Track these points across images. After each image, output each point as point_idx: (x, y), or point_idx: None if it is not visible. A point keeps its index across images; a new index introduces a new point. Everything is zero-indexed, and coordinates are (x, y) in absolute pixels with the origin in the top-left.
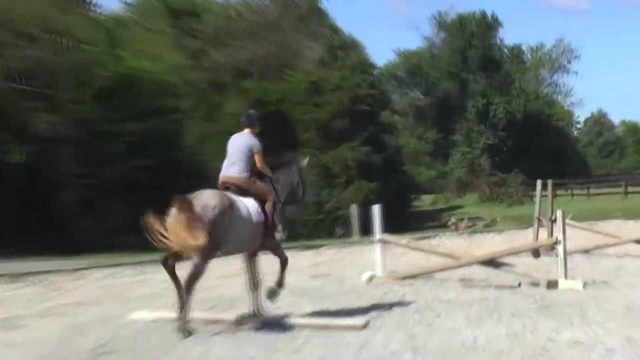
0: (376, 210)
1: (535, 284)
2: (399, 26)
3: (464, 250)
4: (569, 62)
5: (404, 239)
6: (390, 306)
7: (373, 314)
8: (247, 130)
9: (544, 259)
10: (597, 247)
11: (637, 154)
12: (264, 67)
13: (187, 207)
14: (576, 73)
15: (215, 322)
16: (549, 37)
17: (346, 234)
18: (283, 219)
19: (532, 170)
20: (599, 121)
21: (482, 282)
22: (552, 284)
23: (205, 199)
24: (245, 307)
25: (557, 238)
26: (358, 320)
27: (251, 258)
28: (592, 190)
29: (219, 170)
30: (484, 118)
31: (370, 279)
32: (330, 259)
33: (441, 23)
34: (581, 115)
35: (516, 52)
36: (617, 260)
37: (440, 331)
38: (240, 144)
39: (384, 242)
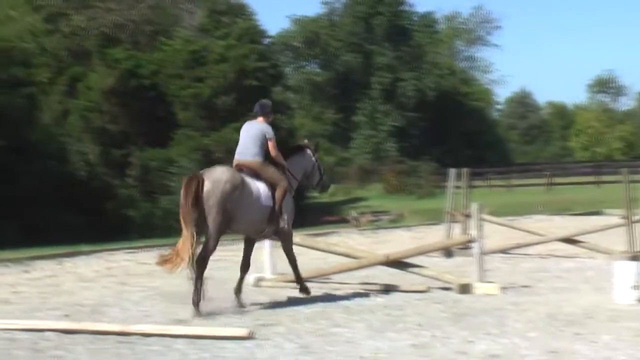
0: None
1: (446, 289)
2: None
3: (366, 249)
4: (488, 33)
5: (297, 235)
6: (279, 313)
7: (259, 322)
8: (260, 119)
9: (457, 260)
10: (518, 247)
11: (564, 140)
12: (135, 34)
13: (195, 187)
14: (496, 46)
15: (72, 332)
16: (466, 4)
17: None
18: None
19: (446, 157)
20: (522, 102)
21: (386, 286)
22: (465, 289)
23: (218, 174)
24: (106, 316)
25: (471, 236)
26: (241, 330)
27: (250, 242)
28: (514, 181)
29: (232, 153)
30: (390, 97)
31: (257, 281)
32: (210, 258)
33: None
34: (502, 94)
35: (428, 22)
36: (540, 262)
37: (337, 342)
38: (255, 130)
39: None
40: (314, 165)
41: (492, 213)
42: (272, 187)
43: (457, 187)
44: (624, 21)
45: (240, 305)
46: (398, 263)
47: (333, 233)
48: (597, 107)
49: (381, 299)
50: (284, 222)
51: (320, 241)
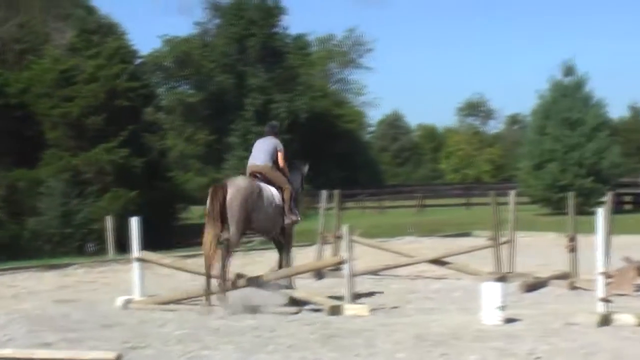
0: (134, 223)
1: (317, 310)
2: (170, 10)
3: (237, 271)
4: (361, 56)
5: (167, 257)
6: (148, 336)
7: (128, 345)
8: (270, 136)
9: (328, 281)
10: (388, 268)
11: (435, 162)
12: (3, 52)
13: (221, 194)
14: (369, 69)
15: None
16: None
17: (100, 251)
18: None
19: (319, 178)
20: (393, 124)
21: (256, 308)
22: (336, 310)
23: (239, 182)
24: None
25: (342, 257)
26: (109, 353)
27: (276, 239)
28: (385, 203)
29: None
30: (263, 118)
31: (126, 304)
32: (79, 280)
33: (216, 7)
34: (374, 117)
35: (301, 44)
36: (409, 283)
37: None
38: (267, 144)
39: (143, 260)
40: (298, 189)
41: (364, 234)
42: (280, 189)
43: (329, 209)
44: (493, 46)
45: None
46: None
47: (202, 255)
48: (467, 129)
49: (251, 321)
50: (296, 216)
51: (190, 263)
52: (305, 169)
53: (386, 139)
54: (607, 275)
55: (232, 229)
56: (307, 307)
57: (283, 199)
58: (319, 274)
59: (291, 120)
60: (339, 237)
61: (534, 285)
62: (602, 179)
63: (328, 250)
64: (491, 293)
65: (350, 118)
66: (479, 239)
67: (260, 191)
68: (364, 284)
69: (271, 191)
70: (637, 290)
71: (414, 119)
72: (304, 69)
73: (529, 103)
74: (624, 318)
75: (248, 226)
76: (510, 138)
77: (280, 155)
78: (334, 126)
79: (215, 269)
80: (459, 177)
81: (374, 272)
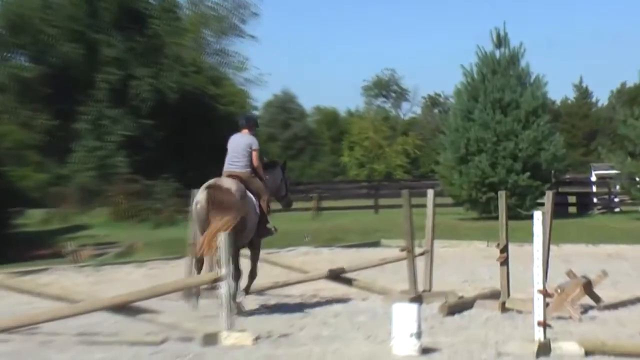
0: None
1: (187, 339)
2: None
3: (85, 291)
4: (244, 22)
5: None
6: None
7: None
8: (245, 131)
9: (201, 303)
10: (277, 286)
11: (335, 154)
12: None
13: (211, 195)
14: (254, 38)
15: None
16: None
17: None
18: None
19: (192, 175)
20: (284, 107)
21: (111, 337)
22: (211, 339)
23: (228, 184)
24: None
25: (219, 273)
26: None
27: (237, 250)
28: (273, 205)
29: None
30: (121, 99)
31: None
32: None
33: None
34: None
35: (169, 6)
36: (302, 304)
37: None
38: (241, 143)
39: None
40: (282, 180)
41: None
42: (257, 197)
43: None
44: (406, 11)
45: (239, 310)
46: (126, 308)
47: (43, 271)
48: (375, 114)
49: (101, 354)
50: (271, 226)
51: (27, 281)
52: (284, 171)
53: (275, 125)
54: (547, 293)
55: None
56: (175, 335)
57: (261, 209)
58: (190, 294)
59: (156, 101)
60: (215, 248)
61: (458, 307)
62: (541, 176)
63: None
64: (404, 317)
65: (230, 99)
66: (390, 250)
67: (246, 195)
68: (247, 306)
69: (252, 198)
70: (583, 312)
71: (309, 100)
72: (172, 38)
73: (451, 81)
74: (566, 347)
75: (242, 230)
76: (429, 124)
77: (254, 155)
78: (210, 109)
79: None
80: (365, 173)
81: (260, 291)
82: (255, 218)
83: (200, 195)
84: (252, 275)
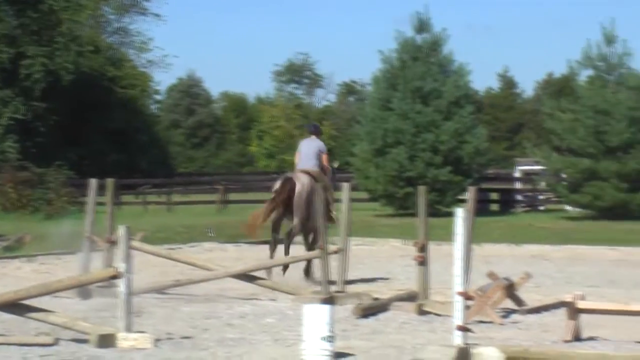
0: None
1: (81, 340)
2: None
3: None
4: None
5: None
6: None
7: None
8: (313, 137)
9: (97, 301)
10: (179, 284)
11: (243, 143)
12: None
13: (290, 186)
14: (158, 17)
15: None
16: None
17: None
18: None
19: (88, 163)
20: (189, 92)
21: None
22: (107, 341)
23: (305, 179)
24: None
25: (117, 270)
26: None
27: (312, 234)
28: (177, 197)
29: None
30: (10, 79)
31: None
32: None
33: None
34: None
35: None
36: (206, 304)
37: None
38: (313, 147)
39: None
40: (333, 180)
41: (147, 239)
42: (324, 190)
43: (100, 204)
44: None
45: (313, 280)
46: (14, 306)
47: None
48: (287, 101)
49: None
50: (334, 213)
51: None
52: (335, 165)
53: (179, 111)
54: (467, 296)
55: (296, 219)
56: (68, 336)
57: (327, 200)
58: (85, 291)
59: (50, 83)
60: (112, 243)
61: (372, 309)
62: (462, 170)
63: (98, 259)
64: (316, 319)
65: (130, 82)
66: (299, 247)
67: (315, 189)
68: (146, 306)
69: (320, 191)
70: (505, 316)
71: (216, 85)
72: (68, 14)
73: (369, 68)
74: (487, 352)
75: (307, 219)
76: (344, 113)
77: (324, 157)
78: (109, 92)
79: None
80: (275, 164)
81: (161, 290)
82: (322, 206)
83: (278, 182)
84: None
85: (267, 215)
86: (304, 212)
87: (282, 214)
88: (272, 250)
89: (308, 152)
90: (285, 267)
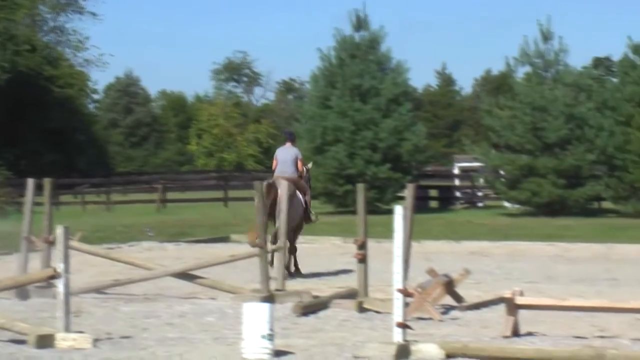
0: None
1: (19, 341)
2: None
3: None
4: None
5: None
6: None
7: None
8: (288, 144)
9: (35, 302)
10: (118, 284)
11: (182, 142)
12: None
13: (273, 192)
14: (95, 16)
15: None
16: None
17: None
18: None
19: (25, 162)
20: (127, 91)
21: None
22: (45, 341)
23: (285, 185)
24: None
25: (56, 270)
26: None
27: (293, 232)
28: (115, 197)
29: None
30: None
31: None
32: None
33: None
34: (101, 80)
35: None
36: (146, 304)
37: None
38: (289, 154)
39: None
40: (309, 179)
41: (86, 239)
42: (302, 193)
43: (38, 204)
44: None
45: (290, 274)
46: None
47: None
48: (226, 100)
49: None
50: (314, 216)
51: None
52: (309, 166)
53: (117, 110)
54: (407, 293)
55: (282, 219)
56: (5, 337)
57: (305, 202)
58: (23, 292)
59: None
60: (50, 243)
61: (313, 307)
62: (402, 168)
63: (36, 260)
64: (255, 317)
65: (67, 81)
66: (240, 246)
67: (295, 192)
68: (85, 306)
69: (297, 193)
70: (444, 313)
71: (154, 84)
72: (4, 13)
73: (307, 66)
74: (427, 349)
75: (290, 217)
76: (283, 112)
77: (300, 163)
78: (46, 91)
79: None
80: (214, 162)
81: (100, 290)
82: (301, 208)
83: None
84: (293, 250)
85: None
86: (286, 212)
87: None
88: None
89: (285, 159)
90: (271, 262)
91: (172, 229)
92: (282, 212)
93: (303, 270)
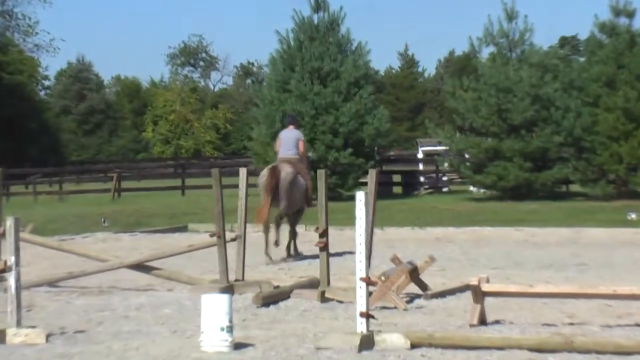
0: None
1: None
2: None
3: None
4: None
5: None
6: None
7: None
8: (291, 127)
9: None
10: (71, 277)
11: (138, 129)
12: None
13: (277, 174)
14: (44, 1)
15: None
16: None
17: None
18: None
19: None
20: (79, 77)
21: None
22: None
23: (287, 167)
24: None
25: (6, 263)
26: None
27: (295, 215)
28: (68, 186)
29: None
30: None
31: None
32: None
33: None
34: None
35: None
36: (100, 297)
37: None
38: (292, 136)
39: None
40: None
41: (37, 231)
42: (303, 176)
43: None
44: None
45: (290, 255)
46: None
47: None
48: (182, 85)
49: None
50: (313, 204)
51: None
52: (310, 154)
53: (69, 97)
54: (370, 281)
55: (284, 202)
56: None
57: (306, 186)
58: None
59: None
60: (0, 235)
61: (273, 297)
62: (364, 153)
63: None
64: (214, 309)
65: (17, 67)
66: (199, 235)
67: (297, 176)
68: (37, 300)
69: (299, 177)
70: (409, 302)
71: (107, 69)
72: None
73: (266, 49)
74: (391, 339)
75: (291, 204)
76: (241, 96)
77: (301, 144)
78: None
79: (271, 232)
80: (171, 150)
81: (52, 283)
82: (303, 192)
83: (264, 171)
84: (294, 234)
85: (269, 202)
86: (289, 197)
87: (270, 202)
88: (267, 236)
89: (288, 141)
90: (276, 243)
91: (127, 219)
92: (285, 193)
93: (261, 261)
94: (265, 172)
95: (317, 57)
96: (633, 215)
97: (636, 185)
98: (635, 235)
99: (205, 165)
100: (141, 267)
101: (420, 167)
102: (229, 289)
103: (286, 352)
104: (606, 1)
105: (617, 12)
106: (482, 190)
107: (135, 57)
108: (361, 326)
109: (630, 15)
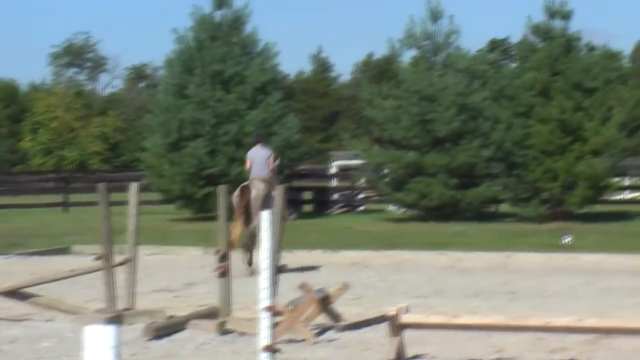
0: None
1: None
2: None
3: None
4: None
5: None
6: None
7: None
8: (258, 145)
9: None
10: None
11: (15, 138)
12: None
13: (247, 193)
14: None
15: None
16: None
17: None
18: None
19: None
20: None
21: None
22: None
23: (259, 185)
24: None
25: None
26: None
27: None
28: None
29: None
30: None
31: None
32: None
33: None
34: None
35: None
36: None
37: None
38: (262, 155)
39: None
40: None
41: None
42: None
43: None
44: None
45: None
46: None
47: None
48: (66, 88)
49: None
50: (292, 215)
51: None
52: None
53: None
54: (276, 311)
55: (255, 219)
56: None
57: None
58: None
59: None
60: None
61: (167, 329)
62: None
63: None
64: (99, 342)
65: None
66: (83, 258)
67: (269, 193)
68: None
69: (272, 194)
70: (320, 333)
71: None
72: None
73: (161, 49)
74: None
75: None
76: (134, 102)
77: (271, 160)
78: None
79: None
80: (52, 161)
81: None
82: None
83: (237, 191)
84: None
85: (243, 223)
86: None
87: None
88: (246, 256)
89: (259, 160)
90: (249, 263)
91: (1, 240)
92: (257, 211)
93: (154, 287)
94: (237, 192)
95: (219, 59)
96: (568, 239)
97: (572, 205)
98: (571, 261)
99: (92, 179)
100: (16, 294)
101: (334, 183)
102: (116, 319)
103: None
104: (540, 1)
105: (552, 14)
106: (402, 210)
107: (12, 57)
108: None
109: (566, 17)
